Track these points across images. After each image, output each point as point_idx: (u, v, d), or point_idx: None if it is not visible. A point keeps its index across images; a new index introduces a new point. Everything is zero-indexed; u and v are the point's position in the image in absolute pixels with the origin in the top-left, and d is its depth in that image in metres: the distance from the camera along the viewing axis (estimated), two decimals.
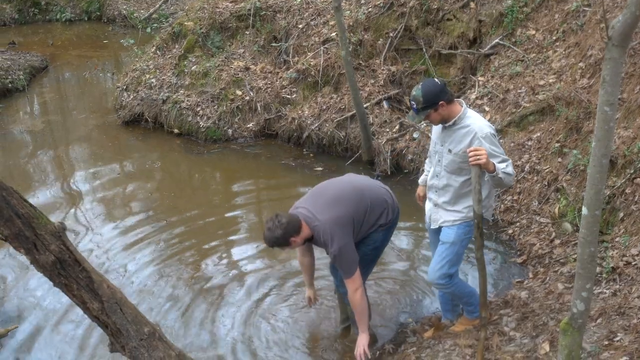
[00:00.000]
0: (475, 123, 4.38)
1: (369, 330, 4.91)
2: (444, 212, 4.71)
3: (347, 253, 4.62)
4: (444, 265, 4.69)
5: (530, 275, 5.94)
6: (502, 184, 4.37)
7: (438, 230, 4.83)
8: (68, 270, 2.57)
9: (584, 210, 3.29)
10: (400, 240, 6.97)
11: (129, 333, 2.79)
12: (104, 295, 2.66)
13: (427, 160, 5.12)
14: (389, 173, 8.51)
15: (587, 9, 8.15)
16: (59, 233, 2.77)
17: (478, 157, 3.99)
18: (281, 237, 4.57)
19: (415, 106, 4.37)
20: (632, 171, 5.86)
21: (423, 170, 5.28)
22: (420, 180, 5.26)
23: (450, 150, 4.47)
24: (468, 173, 4.34)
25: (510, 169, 4.31)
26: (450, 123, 4.44)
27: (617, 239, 5.54)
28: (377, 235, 4.95)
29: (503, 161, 4.30)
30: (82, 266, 2.57)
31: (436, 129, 4.67)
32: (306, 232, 4.66)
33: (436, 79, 4.41)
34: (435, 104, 4.31)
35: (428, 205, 4.91)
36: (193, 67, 10.80)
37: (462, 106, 4.46)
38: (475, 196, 4.03)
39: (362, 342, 4.79)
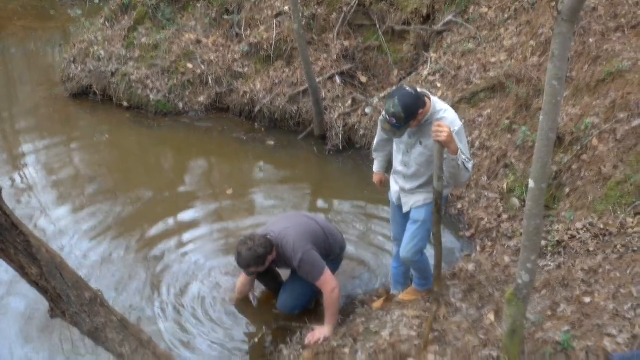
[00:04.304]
0: (448, 118, 4.27)
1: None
2: (412, 196, 4.70)
3: (310, 258, 4.87)
4: (417, 242, 4.74)
5: (478, 248, 6.03)
6: (458, 175, 4.26)
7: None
8: (5, 235, 2.49)
9: (531, 183, 3.33)
10: (351, 215, 7.00)
11: (69, 299, 2.72)
12: (43, 260, 2.59)
13: (375, 147, 5.12)
14: (340, 148, 8.52)
15: None
16: None
17: (439, 132, 3.94)
18: (262, 255, 4.86)
19: (396, 122, 4.18)
20: (578, 148, 5.98)
21: (374, 158, 5.25)
22: (375, 169, 5.25)
23: (421, 143, 4.42)
24: None
25: (470, 166, 4.26)
26: (422, 121, 4.35)
27: (562, 214, 5.65)
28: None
29: (466, 159, 4.26)
30: (19, 230, 2.49)
31: None
32: (274, 252, 4.96)
33: (407, 88, 4.24)
34: (415, 113, 4.20)
35: (395, 188, 4.87)
36: (143, 40, 10.57)
37: (431, 100, 4.35)
38: (436, 172, 4.01)
39: (323, 332, 4.94)
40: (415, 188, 4.65)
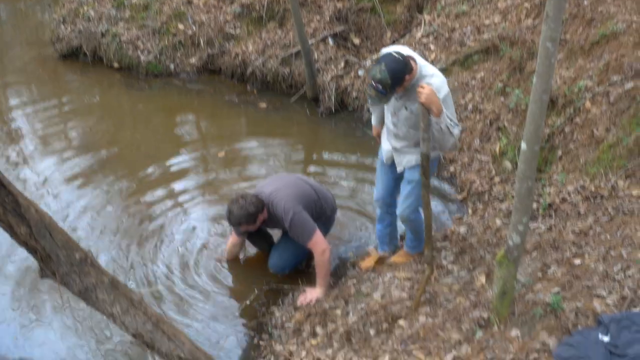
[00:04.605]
0: (434, 84, 4.16)
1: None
2: (405, 155, 4.66)
3: (301, 219, 4.89)
4: (412, 201, 4.74)
5: (470, 211, 6.05)
6: (442, 139, 4.19)
7: (395, 167, 4.82)
8: None
9: (523, 146, 3.32)
10: (343, 176, 7.00)
11: (59, 259, 2.72)
12: (32, 220, 2.57)
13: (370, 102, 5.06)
14: (333, 110, 8.47)
15: None
16: None
17: (420, 93, 3.91)
18: (253, 213, 4.91)
19: (382, 89, 4.10)
20: (571, 111, 5.96)
21: (371, 112, 5.20)
22: (373, 122, 5.18)
23: (406, 107, 4.38)
24: None
25: (456, 131, 4.20)
26: (409, 85, 4.27)
27: (554, 177, 5.65)
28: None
29: (451, 124, 4.19)
30: (7, 190, 2.46)
31: None
32: (265, 212, 5.01)
33: (393, 53, 4.15)
34: (402, 79, 4.13)
35: (387, 146, 4.82)
36: (133, 0, 10.44)
37: (417, 64, 4.26)
38: (422, 134, 3.99)
39: (315, 294, 4.97)
40: (407, 147, 4.63)
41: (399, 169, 4.79)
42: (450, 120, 4.17)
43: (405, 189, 4.78)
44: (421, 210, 4.84)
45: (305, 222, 4.90)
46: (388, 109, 4.61)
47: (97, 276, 2.88)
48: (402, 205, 4.83)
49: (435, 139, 4.19)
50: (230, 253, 5.65)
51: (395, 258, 5.24)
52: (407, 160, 4.68)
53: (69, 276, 2.81)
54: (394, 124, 4.60)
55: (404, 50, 4.33)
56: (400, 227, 5.34)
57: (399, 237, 5.52)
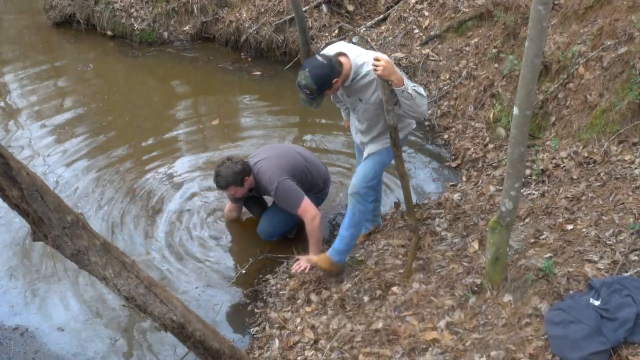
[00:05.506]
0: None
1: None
2: (371, 145, 4.56)
3: (286, 188, 4.90)
4: (367, 173, 4.56)
5: (464, 178, 6.06)
6: (415, 105, 4.02)
7: None
8: None
9: (515, 111, 3.32)
10: (337, 144, 6.99)
11: (51, 221, 2.72)
12: (24, 183, 2.57)
13: (333, 99, 4.88)
14: None
15: None
16: None
17: (377, 67, 3.82)
18: (240, 171, 4.95)
19: (309, 94, 4.04)
20: (565, 76, 5.94)
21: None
22: (343, 116, 5.15)
23: (361, 100, 4.25)
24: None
25: (422, 91, 4.06)
26: (349, 81, 4.14)
27: (547, 143, 5.66)
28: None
29: (414, 86, 4.05)
30: None
31: None
32: (252, 177, 5.06)
33: (319, 57, 4.02)
34: (329, 83, 4.02)
35: (357, 140, 4.76)
36: None
37: (349, 57, 4.10)
38: (386, 106, 3.93)
39: (309, 260, 4.94)
40: (373, 137, 4.53)
41: (365, 156, 4.71)
42: (411, 83, 4.06)
43: (365, 162, 4.62)
44: (369, 199, 4.64)
45: (291, 191, 4.91)
46: (349, 107, 4.55)
47: (89, 239, 2.88)
48: (356, 178, 4.59)
49: (409, 107, 4.06)
50: (228, 217, 5.76)
51: (317, 260, 4.76)
52: (370, 149, 4.56)
53: (60, 239, 2.82)
54: (357, 120, 4.54)
55: (337, 48, 4.22)
56: (383, 206, 5.34)
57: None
